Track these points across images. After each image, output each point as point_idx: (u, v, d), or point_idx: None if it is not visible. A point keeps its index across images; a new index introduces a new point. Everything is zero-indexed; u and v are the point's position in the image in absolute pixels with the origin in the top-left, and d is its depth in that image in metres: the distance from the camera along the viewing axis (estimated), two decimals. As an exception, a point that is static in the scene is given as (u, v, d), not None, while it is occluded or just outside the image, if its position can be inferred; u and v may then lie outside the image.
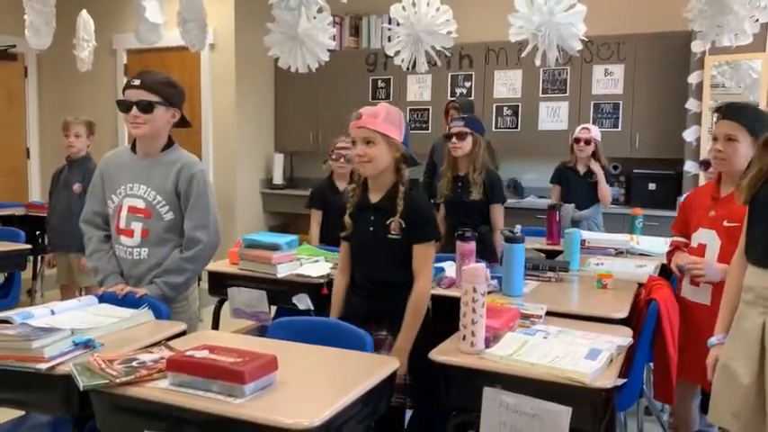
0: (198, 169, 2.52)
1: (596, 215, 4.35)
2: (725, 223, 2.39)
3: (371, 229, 2.31)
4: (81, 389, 1.67)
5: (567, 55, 3.25)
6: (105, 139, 5.78)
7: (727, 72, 4.55)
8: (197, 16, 3.75)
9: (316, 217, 3.90)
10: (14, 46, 6.27)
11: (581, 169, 4.34)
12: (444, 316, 2.51)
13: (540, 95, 5.62)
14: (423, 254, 2.27)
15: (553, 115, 5.56)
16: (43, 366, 1.77)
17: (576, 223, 4.10)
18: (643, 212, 4.08)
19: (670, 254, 2.66)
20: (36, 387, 1.82)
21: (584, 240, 3.45)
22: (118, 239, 2.52)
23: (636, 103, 5.31)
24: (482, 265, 2.26)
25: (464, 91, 5.86)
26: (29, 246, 4.09)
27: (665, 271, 3.09)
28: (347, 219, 2.37)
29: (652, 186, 5.22)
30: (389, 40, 3.77)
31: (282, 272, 3.03)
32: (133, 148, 2.58)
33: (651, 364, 2.68)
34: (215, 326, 3.23)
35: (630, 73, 5.30)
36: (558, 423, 1.78)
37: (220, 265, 3.26)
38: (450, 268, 2.88)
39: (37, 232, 5.00)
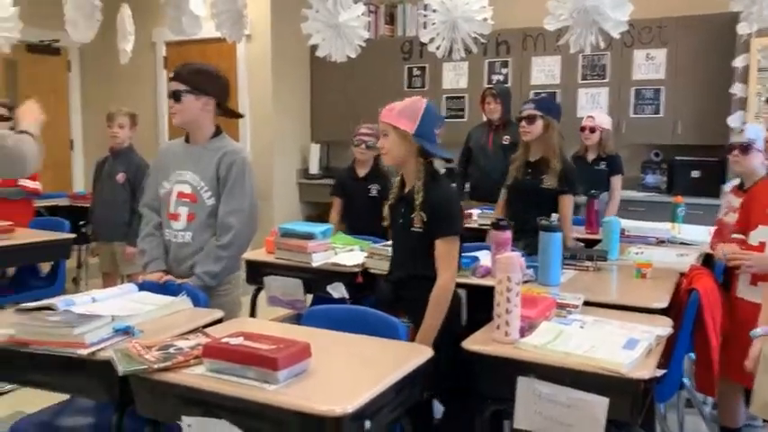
0: (239, 156, 2.59)
1: (602, 203, 4.26)
2: None
3: (400, 221, 2.35)
4: (120, 374, 1.71)
5: (607, 39, 3.17)
6: (145, 131, 5.85)
7: (775, 55, 4.39)
8: (231, 7, 3.79)
9: (336, 204, 3.93)
10: (58, 40, 6.41)
11: (589, 157, 4.38)
12: (480, 305, 2.49)
13: (580, 82, 5.51)
14: (445, 248, 2.25)
15: (593, 102, 5.44)
16: (84, 352, 1.82)
17: (578, 208, 4.02)
18: (685, 201, 3.99)
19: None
20: (78, 372, 1.86)
21: (624, 230, 3.38)
22: (168, 224, 2.63)
23: (678, 89, 5.16)
24: (517, 254, 2.23)
25: (501, 78, 5.78)
26: (73, 235, 4.18)
27: (707, 261, 3.01)
28: (385, 210, 2.42)
29: (695, 174, 5.08)
30: (425, 27, 3.74)
31: (317, 261, 3.05)
32: (187, 139, 2.68)
33: (693, 356, 2.62)
34: (252, 313, 3.28)
35: (673, 57, 5.15)
36: (594, 414, 1.75)
37: (257, 254, 3.30)
38: (485, 257, 2.85)
39: (80, 222, 5.09)
